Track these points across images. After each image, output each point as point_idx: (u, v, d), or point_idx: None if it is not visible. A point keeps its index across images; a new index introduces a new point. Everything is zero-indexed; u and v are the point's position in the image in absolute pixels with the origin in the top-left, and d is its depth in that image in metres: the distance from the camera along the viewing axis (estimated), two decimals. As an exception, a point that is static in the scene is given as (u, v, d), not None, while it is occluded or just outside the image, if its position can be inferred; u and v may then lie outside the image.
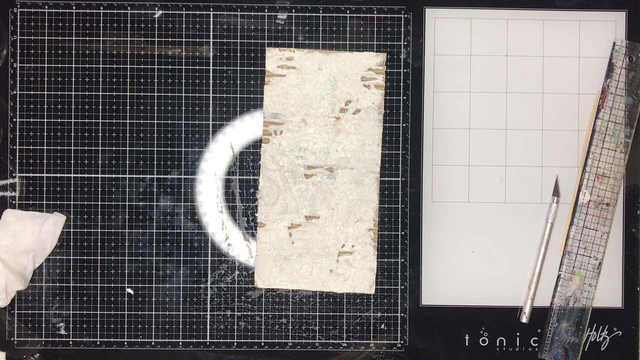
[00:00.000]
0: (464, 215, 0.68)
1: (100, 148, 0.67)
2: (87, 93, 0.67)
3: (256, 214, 0.67)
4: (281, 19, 0.68)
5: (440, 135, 0.68)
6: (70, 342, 0.67)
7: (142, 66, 0.67)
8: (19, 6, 0.67)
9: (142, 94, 0.67)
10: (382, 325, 0.68)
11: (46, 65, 0.67)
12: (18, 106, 0.67)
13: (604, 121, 0.67)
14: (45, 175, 0.67)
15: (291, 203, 0.67)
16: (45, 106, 0.67)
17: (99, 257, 0.67)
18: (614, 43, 0.68)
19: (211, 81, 0.68)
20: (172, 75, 0.67)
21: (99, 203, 0.67)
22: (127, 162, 0.67)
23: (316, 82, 0.67)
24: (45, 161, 0.67)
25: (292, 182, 0.67)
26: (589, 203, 0.67)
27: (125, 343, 0.67)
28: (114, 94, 0.67)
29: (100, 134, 0.67)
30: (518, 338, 0.68)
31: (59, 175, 0.67)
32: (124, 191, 0.67)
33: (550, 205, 0.68)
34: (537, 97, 0.68)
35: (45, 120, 0.67)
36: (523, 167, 0.68)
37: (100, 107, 0.67)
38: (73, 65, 0.67)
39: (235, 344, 0.68)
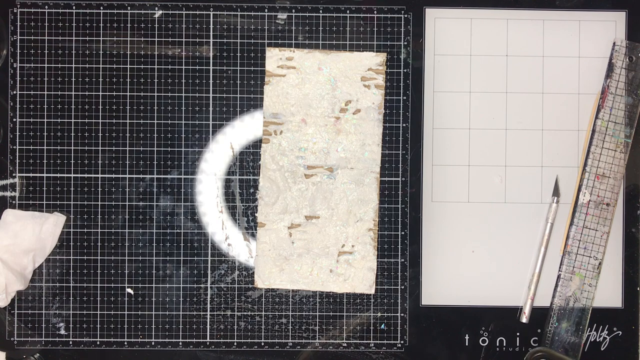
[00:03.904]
0: (464, 215, 0.68)
1: (100, 148, 0.67)
2: (87, 93, 0.67)
3: (256, 214, 0.67)
4: (281, 19, 0.68)
5: (440, 135, 0.68)
6: (70, 342, 0.67)
7: (142, 66, 0.67)
8: (19, 6, 0.67)
9: (142, 94, 0.67)
10: (382, 325, 0.68)
11: (46, 65, 0.67)
12: (18, 106, 0.67)
13: (604, 121, 0.67)
14: (45, 175, 0.67)
15: (291, 203, 0.67)
16: (45, 106, 0.67)
17: (99, 257, 0.67)
18: (614, 43, 0.68)
19: (211, 81, 0.68)
20: (172, 75, 0.67)
21: (99, 203, 0.67)
22: (127, 162, 0.67)
23: (316, 82, 0.67)
24: (45, 161, 0.67)
25: (292, 182, 0.67)
26: (589, 203, 0.67)
27: (125, 343, 0.67)
28: (114, 94, 0.67)
29: (100, 134, 0.67)
30: (518, 338, 0.68)
31: (59, 175, 0.67)
32: (124, 191, 0.67)
33: (550, 205, 0.68)
34: (537, 97, 0.68)
35: (45, 120, 0.67)
36: (523, 167, 0.68)
37: (100, 107, 0.67)
38: (73, 65, 0.67)
39: (235, 344, 0.68)
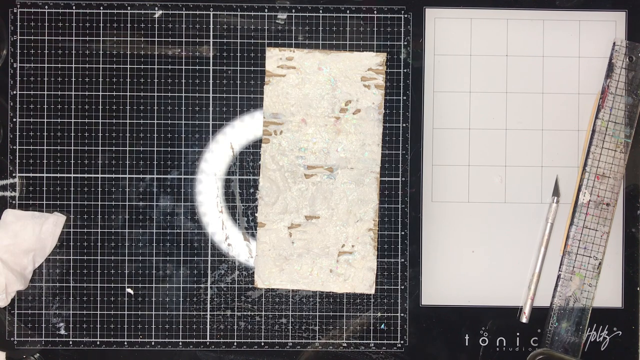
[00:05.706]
0: (464, 215, 0.68)
1: (100, 148, 0.67)
2: (87, 93, 0.67)
3: (256, 214, 0.67)
4: (281, 19, 0.68)
5: (440, 135, 0.68)
6: (70, 342, 0.67)
7: (142, 66, 0.67)
8: (19, 6, 0.67)
9: (142, 94, 0.67)
10: (382, 325, 0.68)
11: (46, 65, 0.67)
12: (18, 106, 0.67)
13: (604, 121, 0.67)
14: (45, 175, 0.67)
15: (291, 203, 0.67)
16: (45, 106, 0.67)
17: (99, 257, 0.67)
18: (614, 43, 0.68)
19: (211, 81, 0.68)
20: (172, 75, 0.67)
21: (99, 203, 0.67)
22: (127, 162, 0.67)
23: (316, 82, 0.67)
24: (45, 161, 0.67)
25: (292, 182, 0.67)
26: (589, 203, 0.67)
27: (125, 343, 0.67)
28: (114, 94, 0.67)
29: (100, 134, 0.67)
30: (518, 338, 0.68)
31: (59, 175, 0.67)
32: (124, 191, 0.67)
33: (550, 205, 0.68)
34: (537, 97, 0.68)
35: (45, 120, 0.67)
36: (523, 167, 0.68)
37: (100, 107, 0.67)
38: (73, 65, 0.67)
39: (235, 344, 0.68)
